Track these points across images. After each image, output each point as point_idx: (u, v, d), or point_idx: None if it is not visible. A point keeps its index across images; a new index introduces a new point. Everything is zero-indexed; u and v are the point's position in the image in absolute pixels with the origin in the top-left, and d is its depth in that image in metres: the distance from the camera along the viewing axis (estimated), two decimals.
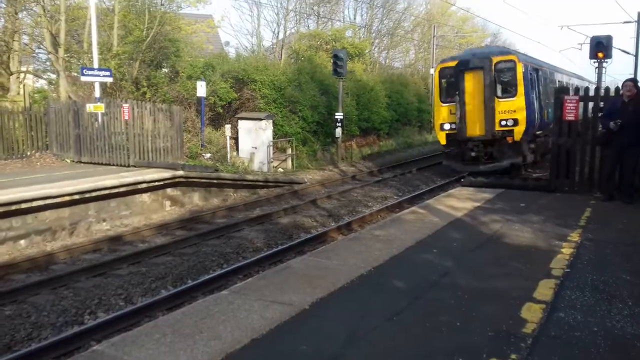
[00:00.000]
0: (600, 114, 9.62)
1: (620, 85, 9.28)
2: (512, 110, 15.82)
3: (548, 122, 18.67)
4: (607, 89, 10.17)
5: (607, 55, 16.09)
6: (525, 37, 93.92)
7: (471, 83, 16.03)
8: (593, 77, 22.76)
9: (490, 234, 6.90)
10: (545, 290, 4.73)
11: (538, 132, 17.60)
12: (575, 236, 6.67)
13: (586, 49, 17.81)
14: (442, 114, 17.02)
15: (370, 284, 5.00)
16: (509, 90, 16.05)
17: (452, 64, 16.69)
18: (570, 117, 9.85)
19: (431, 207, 8.82)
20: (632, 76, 20.17)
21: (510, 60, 16.03)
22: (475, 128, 16.07)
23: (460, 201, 9.21)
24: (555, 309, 4.29)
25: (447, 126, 16.82)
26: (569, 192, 9.93)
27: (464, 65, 16.17)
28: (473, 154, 16.30)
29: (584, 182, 10.01)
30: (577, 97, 9.91)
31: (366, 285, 4.96)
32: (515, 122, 15.80)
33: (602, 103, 9.79)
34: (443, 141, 17.13)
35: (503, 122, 15.84)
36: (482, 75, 15.75)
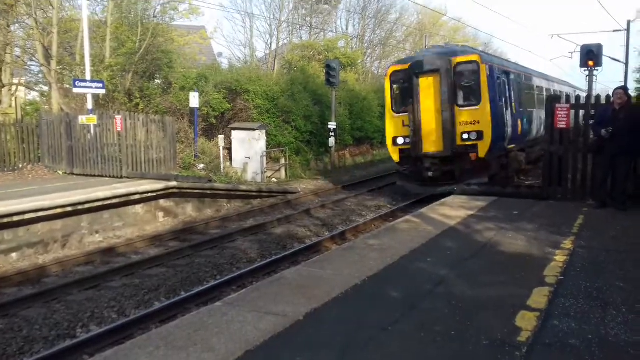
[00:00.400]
0: (591, 122, 9.69)
1: (611, 93, 9.36)
2: (476, 121, 13.46)
3: (523, 134, 16.84)
4: (597, 97, 10.24)
5: (598, 63, 16.22)
6: (517, 46, 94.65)
7: (427, 89, 13.78)
8: (583, 85, 22.85)
9: (484, 242, 6.91)
10: (539, 298, 4.73)
11: (510, 146, 15.29)
12: (568, 244, 6.69)
13: (577, 57, 17.88)
14: (395, 126, 14.68)
15: (365, 294, 4.99)
16: (472, 97, 13.70)
17: (405, 66, 14.30)
18: (561, 125, 9.91)
19: (425, 215, 8.83)
20: (623, 84, 20.34)
21: (472, 61, 13.67)
22: (432, 143, 13.85)
23: (453, 210, 9.22)
24: (550, 317, 4.29)
25: (400, 140, 14.52)
26: (562, 200, 9.97)
27: (417, 68, 13.79)
28: (430, 173, 13.93)
29: (576, 190, 10.05)
30: (568, 105, 10.00)
31: (361, 295, 4.94)
32: (480, 136, 13.43)
33: (592, 111, 9.86)
34: (396, 158, 14.92)
35: (465, 136, 13.56)
36: (439, 80, 13.56)
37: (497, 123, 13.85)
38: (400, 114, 14.48)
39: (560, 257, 6.03)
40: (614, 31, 29.45)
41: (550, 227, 7.71)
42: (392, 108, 14.81)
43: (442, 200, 10.49)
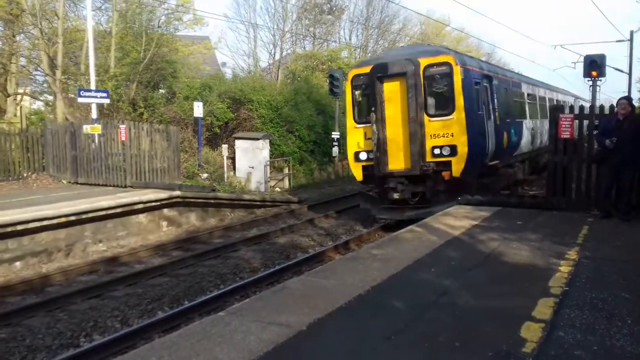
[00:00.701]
0: (595, 132, 9.68)
1: (614, 103, 9.36)
2: (448, 133, 11.68)
3: (511, 147, 15.13)
4: (601, 107, 10.24)
5: (601, 73, 16.19)
6: (520, 57, 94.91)
7: (392, 95, 12.06)
8: (586, 95, 22.78)
9: (488, 252, 6.88)
10: (544, 308, 4.70)
11: (493, 163, 13.41)
12: (573, 254, 6.65)
13: (580, 67, 17.85)
14: (357, 138, 12.75)
15: (369, 304, 4.97)
16: (444, 105, 11.90)
17: (368, 69, 12.44)
18: (565, 135, 9.89)
19: (429, 225, 8.80)
20: (626, 94, 20.32)
21: (444, 63, 11.78)
22: (398, 159, 12.08)
23: (457, 219, 9.19)
24: (555, 328, 4.26)
25: (363, 156, 12.64)
26: (566, 210, 9.92)
27: (381, 71, 12.03)
28: (396, 195, 12.09)
29: (580, 200, 10.01)
30: (572, 115, 9.99)
31: (364, 306, 4.92)
32: (453, 151, 11.64)
33: (596, 121, 9.86)
34: (359, 177, 12.93)
35: (436, 151, 11.75)
36: (406, 85, 11.78)
37: (475, 136, 12.05)
38: (363, 125, 12.59)
39: (564, 268, 6.00)
40: (617, 41, 29.41)
41: (554, 237, 7.67)
42: (353, 118, 12.94)
43: (446, 210, 10.46)
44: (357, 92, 12.89)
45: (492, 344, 3.98)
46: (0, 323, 7.52)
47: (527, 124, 17.20)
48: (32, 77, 23.42)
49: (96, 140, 16.02)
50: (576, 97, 27.97)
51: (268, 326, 4.38)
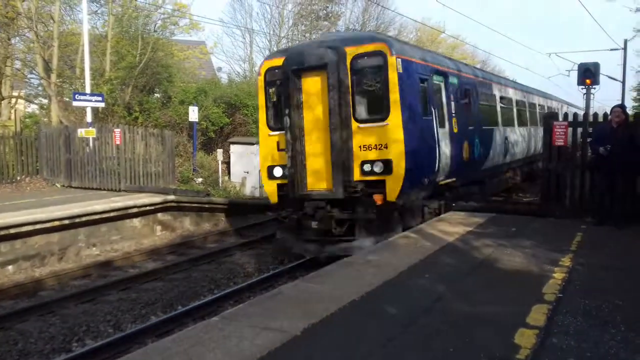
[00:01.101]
0: (589, 140, 9.73)
1: (608, 111, 9.42)
2: (382, 144, 9.17)
3: (475, 161, 12.63)
4: (595, 115, 10.31)
5: (595, 81, 16.28)
6: (515, 64, 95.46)
7: (312, 94, 9.61)
8: (580, 103, 22.88)
9: (482, 258, 6.89)
10: (538, 315, 4.71)
11: (447, 181, 11.09)
12: (567, 261, 6.67)
13: (574, 75, 17.94)
14: (271, 149, 10.25)
15: (363, 309, 4.96)
16: (376, 107, 9.39)
17: (281, 60, 9.90)
18: (559, 142, 9.94)
19: (423, 231, 8.81)
20: (620, 102, 20.42)
21: (376, 52, 9.22)
22: (319, 177, 9.61)
23: (452, 225, 9.20)
24: (549, 335, 4.27)
25: (278, 172, 10.11)
26: (560, 217, 9.95)
27: (296, 62, 9.53)
28: (314, 224, 9.49)
29: (575, 207, 10.05)
30: (566, 123, 10.05)
31: (359, 311, 4.91)
32: (388, 167, 9.17)
33: (590, 129, 9.92)
34: (273, 198, 10.32)
35: (366, 167, 9.27)
36: (327, 81, 9.29)
37: (418, 147, 9.58)
38: (279, 132, 10.08)
39: (558, 275, 6.02)
40: (611, 50, 29.65)
41: (548, 244, 7.69)
42: (267, 123, 10.39)
43: (440, 216, 10.47)
44: (271, 90, 10.37)
45: (486, 350, 3.98)
46: None
47: (499, 132, 14.98)
48: (27, 80, 23.39)
49: (90, 144, 15.98)
50: (565, 103, 27.68)
51: (262, 331, 4.37)
